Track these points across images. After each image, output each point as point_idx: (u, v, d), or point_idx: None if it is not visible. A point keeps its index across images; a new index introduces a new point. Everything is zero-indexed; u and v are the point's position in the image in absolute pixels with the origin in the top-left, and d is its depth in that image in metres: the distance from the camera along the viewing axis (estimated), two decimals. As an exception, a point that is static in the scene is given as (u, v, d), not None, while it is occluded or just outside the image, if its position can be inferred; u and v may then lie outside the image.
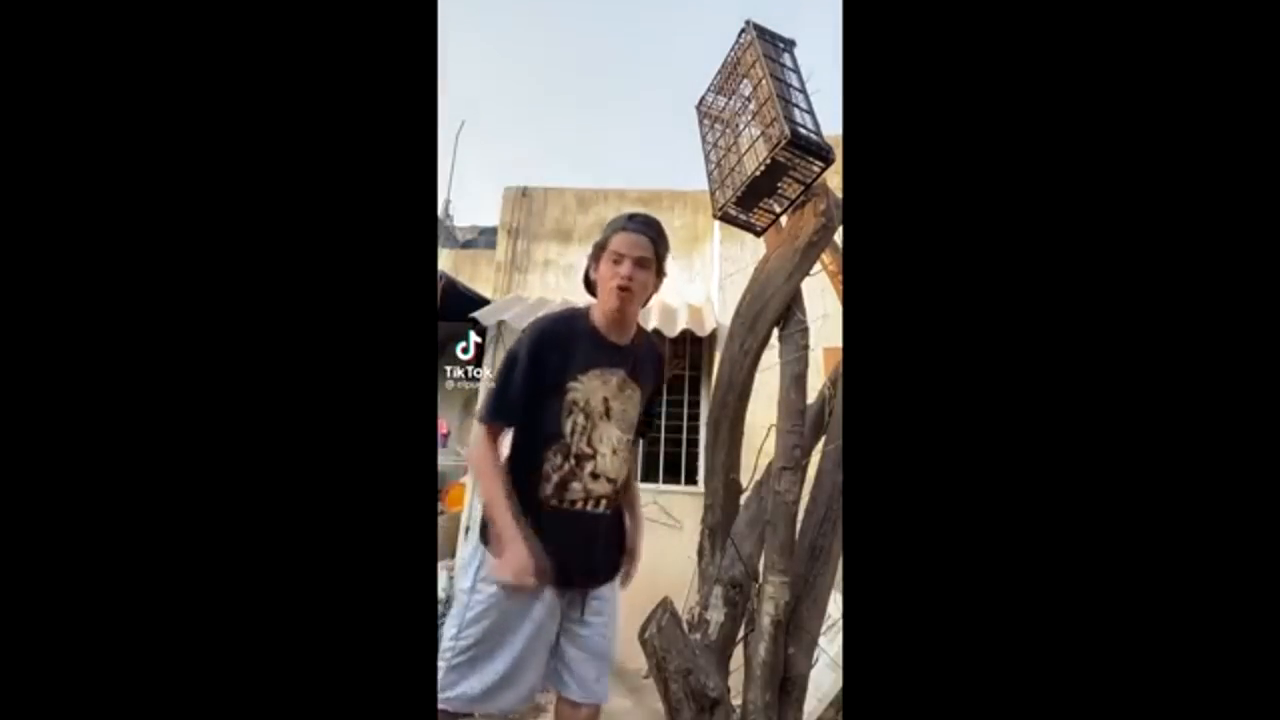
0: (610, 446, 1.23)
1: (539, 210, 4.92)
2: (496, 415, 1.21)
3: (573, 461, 1.20)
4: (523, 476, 1.20)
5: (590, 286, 1.32)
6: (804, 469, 1.25)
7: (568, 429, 1.20)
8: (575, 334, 1.24)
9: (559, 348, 1.21)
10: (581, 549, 1.23)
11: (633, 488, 1.40)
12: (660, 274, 1.31)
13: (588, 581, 1.26)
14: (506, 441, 1.24)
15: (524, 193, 5.02)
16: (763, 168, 1.21)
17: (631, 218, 1.28)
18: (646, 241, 1.25)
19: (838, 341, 0.95)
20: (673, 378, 3.77)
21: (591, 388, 1.22)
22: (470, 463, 1.10)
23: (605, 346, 1.26)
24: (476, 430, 1.22)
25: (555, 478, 1.19)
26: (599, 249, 1.28)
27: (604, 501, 1.24)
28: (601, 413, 1.22)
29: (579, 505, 1.21)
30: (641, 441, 1.40)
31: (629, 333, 1.29)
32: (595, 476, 1.22)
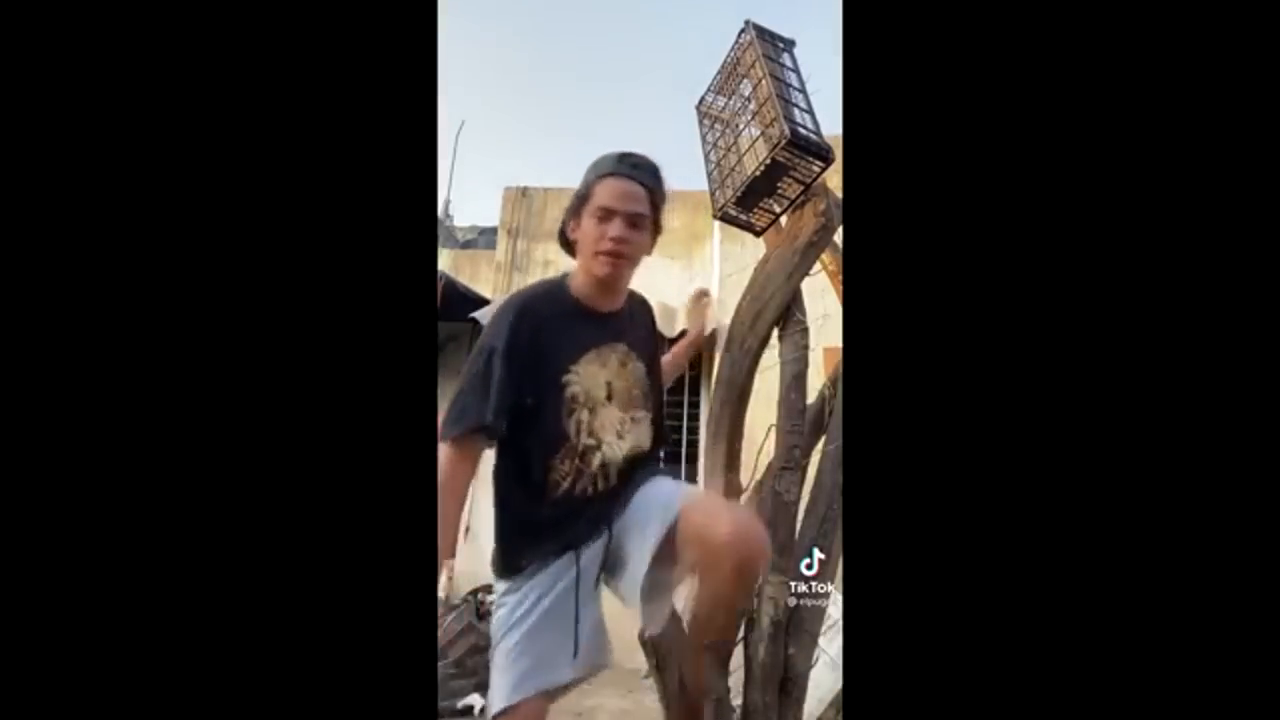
0: (614, 431, 1.02)
1: (539, 210, 4.92)
2: (465, 423, 0.93)
3: (579, 460, 1.00)
4: (519, 491, 1.01)
5: (568, 245, 1.07)
6: (804, 469, 1.26)
7: (572, 429, 0.98)
8: (560, 313, 1.01)
9: (545, 333, 0.98)
10: (598, 517, 1.02)
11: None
12: (657, 229, 1.05)
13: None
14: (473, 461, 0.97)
15: (524, 193, 5.03)
16: (762, 168, 1.21)
17: (622, 158, 1.01)
18: (641, 191, 1.00)
19: (838, 341, 0.95)
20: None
21: (591, 373, 1.00)
22: (440, 489, 0.87)
23: (596, 319, 1.03)
24: (443, 451, 0.92)
25: (564, 485, 0.99)
26: (580, 200, 1.02)
27: (615, 476, 1.04)
28: (603, 399, 1.01)
29: (588, 492, 1.02)
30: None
31: (620, 298, 1.07)
32: (604, 467, 1.02)
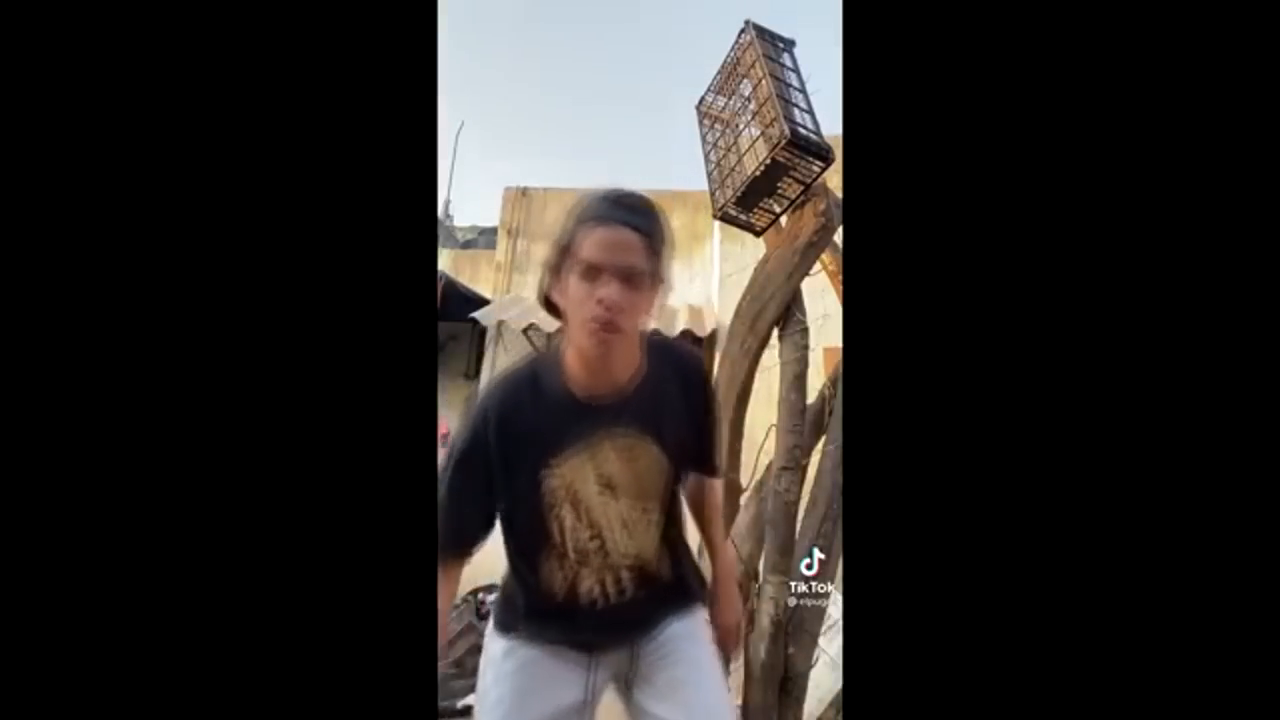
0: (619, 521, 0.88)
1: (539, 210, 4.93)
2: (447, 546, 0.82)
3: (574, 558, 0.87)
4: (519, 572, 0.91)
5: (553, 309, 0.85)
6: (804, 469, 1.26)
7: (554, 530, 0.86)
8: (541, 402, 0.85)
9: (516, 434, 0.84)
10: (611, 632, 0.92)
11: (718, 555, 1.05)
12: (660, 282, 0.84)
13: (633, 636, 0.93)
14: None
15: (524, 193, 5.04)
16: (763, 168, 1.22)
17: (609, 199, 0.81)
18: (636, 240, 0.79)
19: (838, 341, 0.95)
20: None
21: (574, 467, 0.85)
22: None
23: (589, 409, 0.85)
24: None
25: (560, 583, 0.88)
26: (561, 253, 0.81)
27: (630, 581, 0.90)
28: (598, 493, 0.86)
29: (597, 600, 0.89)
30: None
31: (623, 372, 0.86)
32: (607, 557, 0.88)
